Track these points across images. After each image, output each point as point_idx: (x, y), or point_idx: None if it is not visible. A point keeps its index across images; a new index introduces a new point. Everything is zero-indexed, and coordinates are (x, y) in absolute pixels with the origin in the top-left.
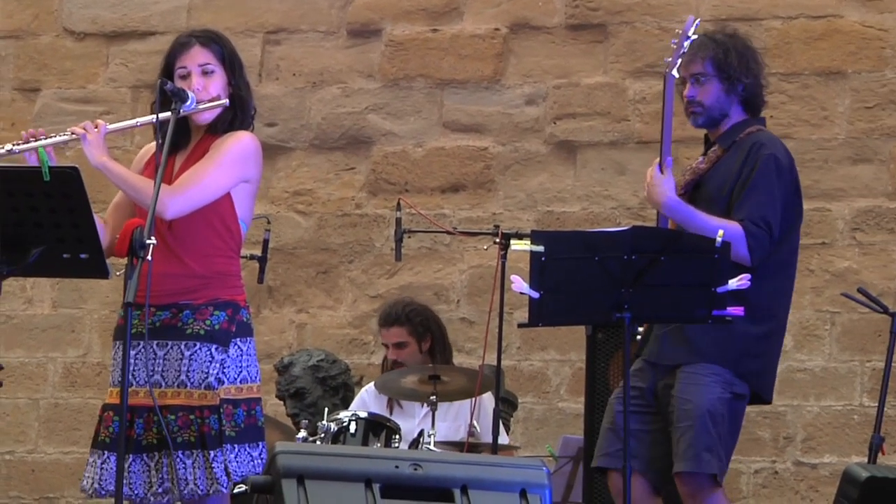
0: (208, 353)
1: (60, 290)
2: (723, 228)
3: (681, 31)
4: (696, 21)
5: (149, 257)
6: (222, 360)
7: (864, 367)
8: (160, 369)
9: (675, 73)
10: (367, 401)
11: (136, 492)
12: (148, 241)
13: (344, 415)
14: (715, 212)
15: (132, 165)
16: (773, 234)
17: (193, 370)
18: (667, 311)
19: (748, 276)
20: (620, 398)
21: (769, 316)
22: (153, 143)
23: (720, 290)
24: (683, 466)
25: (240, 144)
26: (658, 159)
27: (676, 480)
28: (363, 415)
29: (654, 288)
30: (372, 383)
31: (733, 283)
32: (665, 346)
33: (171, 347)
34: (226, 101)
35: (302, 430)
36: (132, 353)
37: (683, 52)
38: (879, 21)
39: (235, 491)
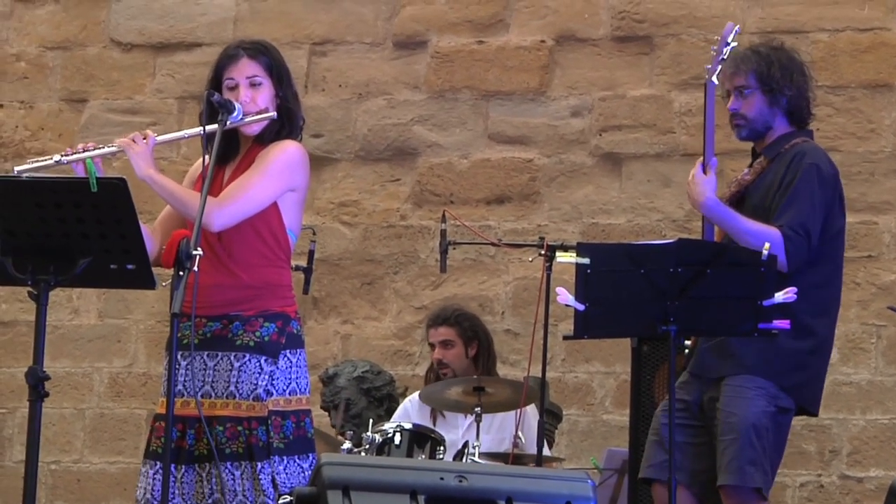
0: (257, 364)
1: (107, 300)
2: (761, 232)
3: (720, 38)
4: (736, 28)
5: (195, 268)
6: (271, 371)
7: None
8: (210, 380)
9: (714, 79)
10: (410, 411)
11: (188, 502)
12: (194, 252)
13: (389, 426)
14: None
15: (184, 180)
16: (811, 241)
17: (242, 381)
18: (712, 323)
19: (794, 289)
20: (666, 411)
21: (811, 332)
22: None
23: (766, 303)
24: (727, 479)
25: (285, 154)
26: (702, 159)
27: (721, 493)
28: (408, 426)
29: (700, 301)
30: (416, 393)
31: (779, 297)
32: (709, 358)
33: (221, 358)
34: (273, 113)
35: (347, 442)
36: (184, 363)
37: (723, 59)
38: None
39: (280, 502)
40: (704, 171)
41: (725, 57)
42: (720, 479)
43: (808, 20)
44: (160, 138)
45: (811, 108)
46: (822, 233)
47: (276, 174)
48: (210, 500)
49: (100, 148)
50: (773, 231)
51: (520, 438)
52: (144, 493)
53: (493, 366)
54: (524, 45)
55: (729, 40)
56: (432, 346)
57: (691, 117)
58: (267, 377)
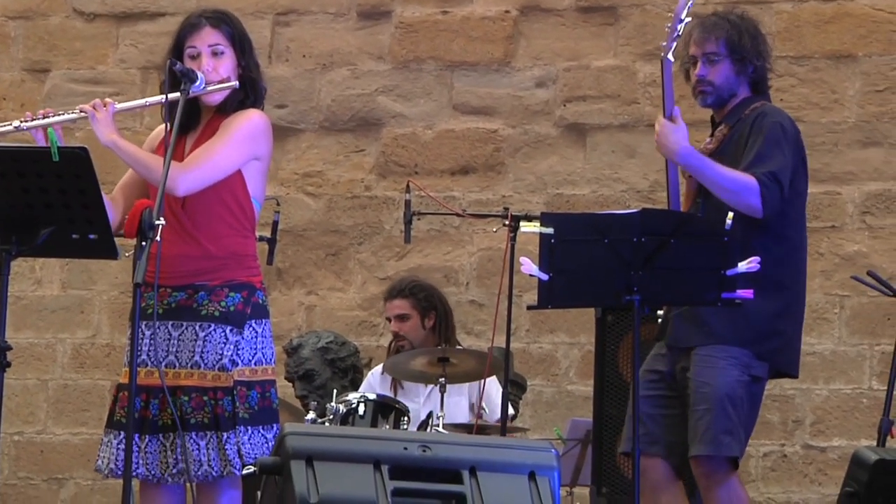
0: (223, 334)
1: (70, 271)
2: (737, 178)
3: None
4: (689, 3)
5: (158, 238)
6: (236, 341)
7: (873, 351)
8: (174, 350)
9: (670, 56)
10: (372, 383)
11: (152, 472)
12: (157, 222)
13: (353, 396)
14: None
15: (144, 146)
16: (783, 190)
17: (208, 351)
18: (676, 293)
19: (758, 258)
20: (643, 382)
21: (780, 292)
22: (163, 126)
23: (730, 272)
24: (701, 450)
25: (249, 122)
26: (661, 115)
27: (692, 464)
28: (372, 396)
29: (664, 270)
30: (378, 367)
31: (743, 266)
32: (680, 328)
33: (186, 328)
34: (235, 83)
35: (311, 412)
36: (147, 333)
37: (678, 35)
38: (890, 4)
39: (244, 472)
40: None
41: (681, 33)
42: (692, 450)
43: None
44: (120, 106)
45: (769, 80)
46: (789, 191)
47: (241, 142)
48: (174, 470)
49: (60, 114)
50: (748, 177)
51: (484, 409)
52: (108, 463)
53: (452, 335)
54: (489, 15)
55: (682, 16)
56: (389, 319)
57: (656, 88)
58: (232, 347)
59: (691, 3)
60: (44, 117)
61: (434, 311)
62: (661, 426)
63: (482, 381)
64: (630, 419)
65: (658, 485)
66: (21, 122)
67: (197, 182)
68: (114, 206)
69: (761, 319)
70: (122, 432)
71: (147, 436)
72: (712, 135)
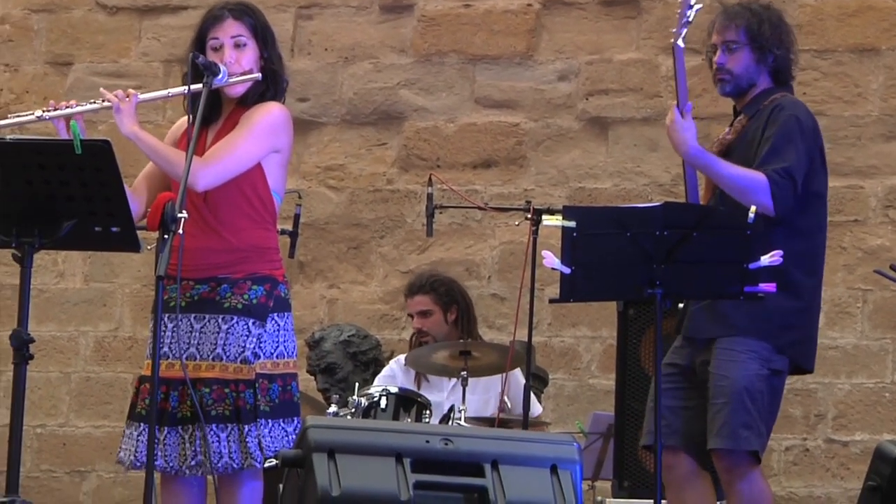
0: (245, 327)
1: (92, 263)
2: (746, 176)
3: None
4: None
5: (180, 231)
6: (259, 334)
7: None
8: (196, 342)
9: (680, 42)
10: (396, 372)
11: (170, 464)
12: (179, 215)
13: (374, 390)
14: None
15: (165, 139)
16: (796, 186)
17: (230, 344)
18: (699, 287)
19: (780, 252)
20: (664, 376)
21: (800, 290)
22: (185, 118)
23: (752, 266)
24: (719, 443)
25: (269, 115)
26: (675, 104)
27: (714, 457)
28: (394, 390)
29: (686, 264)
30: (402, 356)
31: (765, 260)
32: (700, 320)
33: (208, 321)
34: (258, 74)
35: (333, 406)
36: (170, 326)
37: (688, 21)
38: None
39: (266, 465)
40: (682, 117)
41: (691, 20)
42: (711, 443)
43: None
44: (143, 96)
45: (793, 71)
46: (804, 186)
47: (261, 135)
48: (193, 462)
49: (83, 105)
50: (758, 175)
51: (506, 402)
52: (128, 455)
53: (474, 327)
54: (511, 8)
55: (692, 2)
56: (411, 315)
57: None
58: (255, 340)
59: None
60: (67, 107)
61: (456, 305)
62: (679, 418)
63: (505, 374)
64: (651, 412)
65: (684, 479)
66: (44, 111)
67: (217, 176)
68: (136, 196)
69: (780, 314)
70: (141, 424)
71: (166, 427)
72: (731, 125)
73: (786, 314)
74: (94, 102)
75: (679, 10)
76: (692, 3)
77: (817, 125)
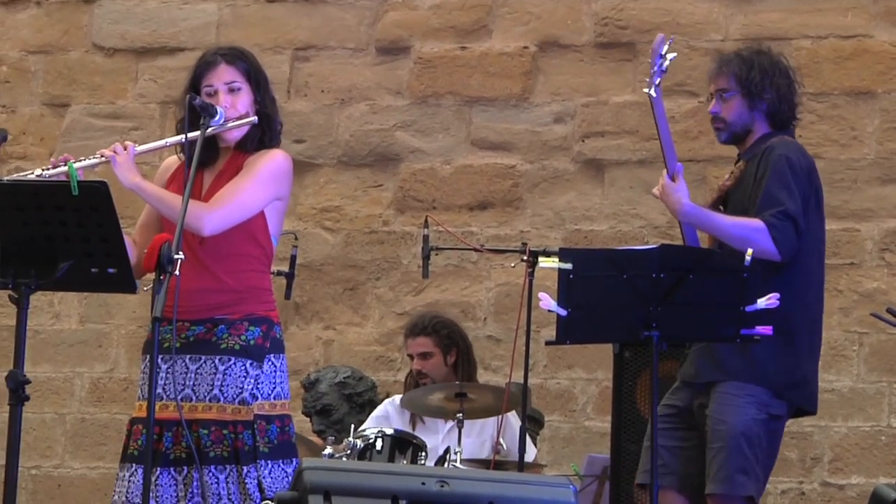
0: (243, 368)
1: (88, 305)
2: (743, 225)
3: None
4: (671, 39)
5: (176, 272)
6: (256, 375)
7: (892, 388)
8: (191, 383)
9: (652, 91)
10: (390, 413)
11: None
12: (176, 256)
13: (370, 431)
14: None
15: (155, 178)
16: (798, 226)
17: (228, 385)
18: (695, 329)
19: (777, 295)
20: (661, 416)
21: (795, 329)
22: (174, 157)
23: (749, 308)
24: (715, 488)
25: (274, 162)
26: (665, 171)
27: (709, 501)
28: (389, 431)
29: (683, 306)
30: (397, 396)
31: (762, 303)
32: (699, 364)
33: (205, 362)
34: (254, 118)
35: (328, 447)
36: (164, 367)
37: (662, 70)
38: None
39: None
40: (672, 179)
41: (664, 68)
42: (708, 488)
43: (792, 27)
44: (140, 148)
45: (795, 113)
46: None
47: (266, 182)
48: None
49: (81, 160)
50: (756, 222)
51: (501, 445)
52: (121, 497)
53: (473, 371)
54: (507, 51)
55: (662, 52)
56: (411, 356)
57: (674, 124)
58: (252, 381)
59: (672, 40)
60: (65, 163)
61: (456, 348)
62: (676, 457)
63: (500, 416)
64: (647, 451)
65: None
66: (43, 170)
67: (223, 222)
68: (133, 246)
69: (775, 358)
70: (133, 465)
71: (158, 468)
72: (732, 171)
73: (781, 358)
74: (93, 157)
75: (651, 59)
76: (662, 51)
77: (813, 165)
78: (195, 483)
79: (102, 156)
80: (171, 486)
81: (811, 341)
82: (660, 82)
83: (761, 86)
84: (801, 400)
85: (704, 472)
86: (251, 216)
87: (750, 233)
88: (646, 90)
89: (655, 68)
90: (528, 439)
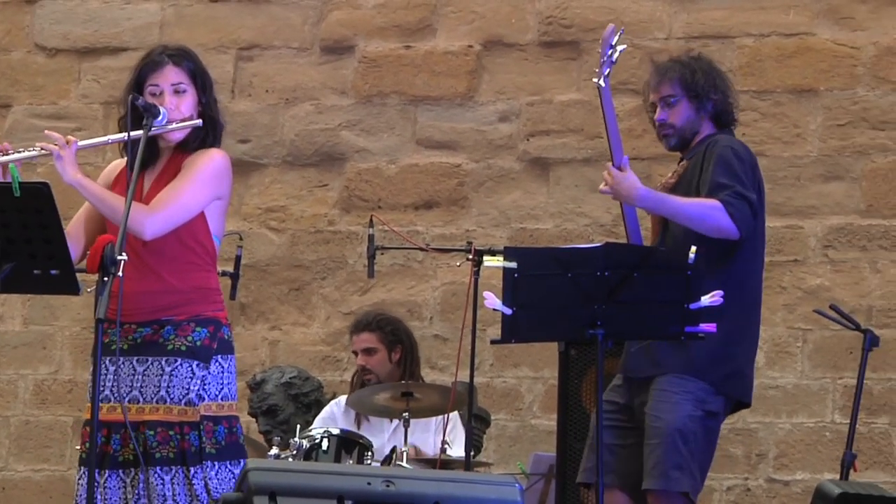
0: (189, 369)
1: (31, 307)
2: (701, 204)
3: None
4: (621, 30)
5: (119, 273)
6: (203, 376)
7: (836, 384)
8: (139, 385)
9: (602, 82)
10: (336, 414)
11: None
12: (119, 258)
13: (316, 432)
14: None
15: (99, 180)
16: (752, 205)
17: (174, 386)
18: (640, 327)
19: (721, 292)
20: (603, 413)
21: (728, 319)
22: (120, 160)
23: (693, 306)
24: (651, 483)
25: (213, 162)
26: (610, 164)
27: (647, 497)
28: (335, 431)
29: (628, 304)
30: (342, 397)
31: (706, 300)
32: (637, 359)
33: (151, 363)
34: (199, 121)
35: (274, 447)
36: (111, 369)
37: (611, 61)
38: (851, 39)
39: None
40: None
41: (614, 60)
42: (645, 483)
43: (734, 25)
44: (83, 143)
45: (735, 114)
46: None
47: (206, 182)
48: None
49: (20, 151)
50: (712, 201)
51: (447, 444)
52: (80, 501)
53: (417, 369)
54: (452, 50)
55: (613, 42)
56: (356, 352)
57: (619, 122)
58: (199, 382)
59: (622, 31)
60: (3, 154)
61: (401, 345)
62: (615, 455)
63: (446, 415)
64: (589, 449)
65: None
66: None
67: (164, 224)
68: (72, 239)
69: (709, 347)
70: (82, 468)
71: (107, 471)
72: (675, 170)
73: (715, 347)
74: (33, 149)
75: (600, 49)
76: (613, 42)
77: (755, 160)
78: (141, 484)
79: (43, 149)
80: (119, 488)
81: (744, 331)
82: (609, 73)
83: (706, 88)
84: (739, 392)
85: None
86: (192, 217)
87: (707, 211)
88: (595, 80)
89: (605, 59)
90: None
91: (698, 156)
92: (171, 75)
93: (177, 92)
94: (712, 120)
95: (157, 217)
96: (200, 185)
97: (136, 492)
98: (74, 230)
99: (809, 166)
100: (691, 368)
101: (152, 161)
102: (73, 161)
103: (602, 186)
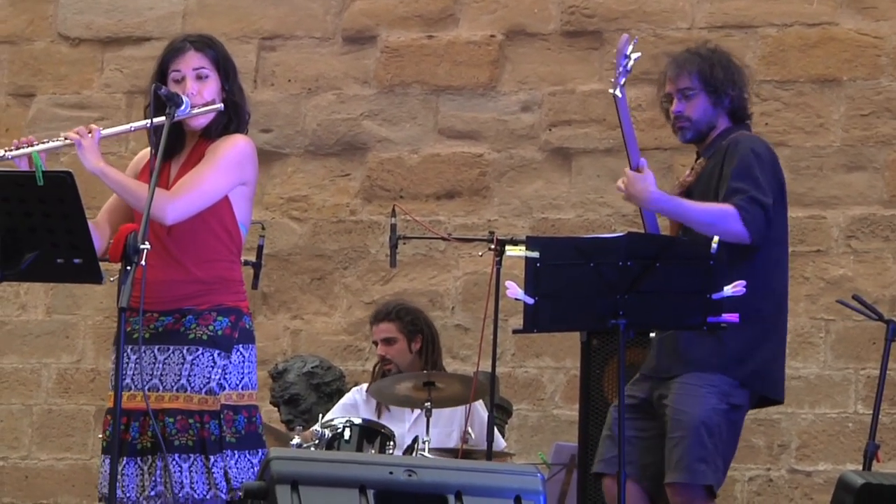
0: (210, 358)
1: (54, 295)
2: (713, 209)
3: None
4: (635, 39)
5: (142, 262)
6: (224, 365)
7: (858, 375)
8: (159, 373)
9: (617, 92)
10: (357, 401)
11: (128, 495)
12: (142, 247)
13: (338, 421)
14: None
15: (127, 171)
16: (767, 211)
17: (195, 375)
18: (662, 317)
19: (743, 282)
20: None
21: (759, 317)
22: (148, 150)
23: (715, 296)
24: (676, 477)
25: (235, 148)
26: (627, 168)
27: (668, 491)
28: (357, 421)
29: (649, 294)
30: (364, 385)
31: (728, 290)
32: (658, 358)
33: (172, 352)
34: (220, 105)
35: (296, 437)
36: (133, 357)
37: (627, 70)
38: (874, 29)
39: (231, 497)
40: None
41: (629, 68)
42: (668, 477)
43: (757, 15)
44: (106, 132)
45: (749, 108)
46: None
47: (228, 168)
48: (153, 493)
49: (45, 142)
50: (726, 206)
51: (469, 434)
52: (101, 488)
53: (438, 358)
54: (474, 39)
55: (627, 52)
56: (376, 342)
57: (641, 112)
58: (220, 371)
59: (636, 40)
60: (29, 145)
61: (420, 335)
62: (634, 448)
63: (468, 405)
64: (605, 440)
65: None
66: (6, 151)
67: (185, 210)
68: (98, 231)
69: (736, 345)
70: (103, 456)
71: (125, 458)
72: (693, 167)
73: (743, 345)
74: (57, 140)
75: (615, 59)
76: (627, 52)
77: (776, 158)
78: (158, 471)
79: (67, 139)
80: (136, 475)
81: (774, 329)
82: (624, 83)
83: (725, 83)
84: (765, 388)
85: (662, 462)
86: (214, 203)
87: (720, 216)
88: (611, 90)
89: (620, 69)
90: (497, 431)
91: (718, 155)
92: (193, 60)
93: (199, 77)
94: (728, 115)
95: (178, 202)
96: (223, 170)
97: (153, 479)
98: (101, 220)
99: (832, 156)
100: (716, 365)
101: (178, 149)
102: (95, 150)
103: (618, 183)
